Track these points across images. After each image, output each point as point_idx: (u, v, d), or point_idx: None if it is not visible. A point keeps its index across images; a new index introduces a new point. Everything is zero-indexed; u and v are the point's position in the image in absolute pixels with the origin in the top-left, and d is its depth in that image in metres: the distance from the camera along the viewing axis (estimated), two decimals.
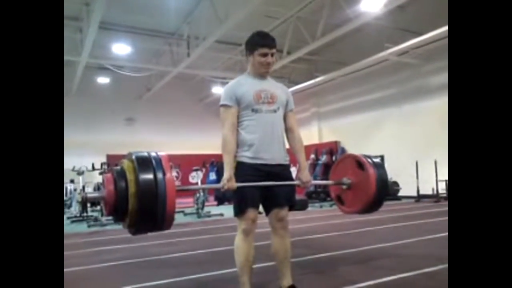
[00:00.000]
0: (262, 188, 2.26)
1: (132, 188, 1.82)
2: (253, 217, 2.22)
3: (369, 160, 2.57)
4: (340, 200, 2.75)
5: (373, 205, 2.58)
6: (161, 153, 1.98)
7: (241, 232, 2.23)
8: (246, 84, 2.31)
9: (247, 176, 2.21)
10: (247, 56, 2.40)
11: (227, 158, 2.23)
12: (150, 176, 1.84)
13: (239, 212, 2.22)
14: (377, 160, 2.65)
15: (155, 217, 1.85)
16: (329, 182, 2.76)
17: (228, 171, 2.18)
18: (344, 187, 2.63)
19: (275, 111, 2.30)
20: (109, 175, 1.92)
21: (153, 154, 1.95)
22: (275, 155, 2.28)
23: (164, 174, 1.85)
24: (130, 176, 1.84)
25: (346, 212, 2.78)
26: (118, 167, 1.95)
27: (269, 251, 2.40)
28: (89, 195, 1.89)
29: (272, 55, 2.30)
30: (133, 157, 1.91)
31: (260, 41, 2.32)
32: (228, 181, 2.15)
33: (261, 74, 2.35)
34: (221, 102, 2.33)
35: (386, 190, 2.58)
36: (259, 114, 2.27)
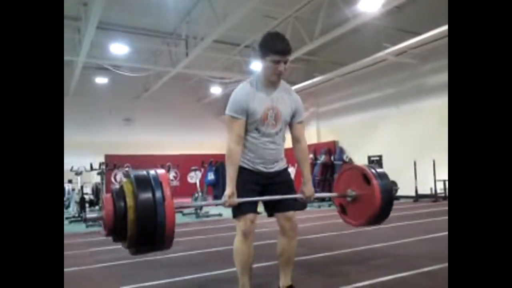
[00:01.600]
0: (262, 190, 2.29)
1: (130, 209, 1.81)
2: (252, 218, 2.22)
3: (373, 171, 2.52)
4: (343, 211, 2.70)
5: (377, 219, 2.53)
6: (160, 171, 1.94)
7: (240, 233, 2.22)
8: (256, 99, 2.18)
9: (247, 182, 2.21)
10: (260, 59, 2.23)
11: (231, 172, 2.16)
12: (148, 196, 1.81)
13: (238, 213, 2.21)
14: (381, 170, 2.58)
15: (155, 237, 1.83)
16: (334, 194, 2.69)
17: (230, 187, 2.13)
18: (349, 199, 2.59)
19: (277, 133, 2.27)
20: (108, 195, 1.90)
21: (152, 173, 1.91)
22: (274, 167, 2.32)
23: (162, 193, 1.82)
24: (128, 197, 1.83)
25: (349, 224, 2.71)
26: (117, 187, 1.94)
27: (269, 251, 2.40)
28: (88, 216, 1.88)
29: (285, 62, 2.15)
30: (132, 176, 1.89)
31: (272, 47, 2.12)
32: (230, 197, 2.12)
33: (272, 82, 2.21)
34: (230, 113, 2.19)
35: (391, 203, 2.50)
36: (261, 135, 2.23)
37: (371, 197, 2.45)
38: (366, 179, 2.49)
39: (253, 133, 2.22)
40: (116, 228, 1.85)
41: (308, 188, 2.34)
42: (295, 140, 2.36)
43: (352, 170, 2.68)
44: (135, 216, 1.79)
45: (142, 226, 1.79)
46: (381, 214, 2.50)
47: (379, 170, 2.56)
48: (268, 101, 2.21)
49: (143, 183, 1.85)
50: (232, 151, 2.16)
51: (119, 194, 1.88)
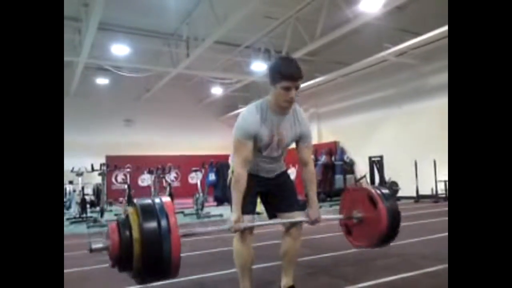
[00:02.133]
0: (263, 191, 2.32)
1: (137, 242, 1.80)
2: (251, 219, 2.23)
3: (379, 192, 2.49)
4: (349, 232, 2.68)
5: (384, 241, 2.51)
6: (165, 200, 1.93)
7: (239, 235, 2.22)
8: (264, 126, 2.14)
9: (248, 185, 2.20)
10: (270, 84, 2.14)
11: (237, 197, 2.12)
12: (154, 228, 1.80)
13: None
14: (387, 191, 2.55)
15: (161, 270, 1.83)
16: (340, 216, 2.66)
17: (236, 212, 2.11)
18: (355, 221, 2.57)
19: (278, 156, 2.30)
20: (113, 225, 1.89)
21: (157, 201, 1.90)
22: (274, 174, 2.37)
23: (169, 225, 1.81)
24: (134, 229, 1.82)
25: (354, 246, 2.68)
26: (123, 216, 1.92)
27: (269, 252, 2.40)
28: (93, 247, 1.86)
29: (296, 88, 2.07)
30: (138, 206, 1.88)
31: (282, 72, 2.04)
32: (236, 222, 2.09)
33: (282, 108, 2.14)
34: (238, 137, 2.14)
35: (397, 225, 2.47)
36: (263, 156, 2.24)
37: (377, 219, 2.42)
38: (372, 201, 2.46)
39: (256, 154, 2.21)
40: (122, 260, 1.84)
41: (313, 211, 2.31)
42: (303, 162, 2.32)
43: (357, 192, 2.65)
44: (141, 250, 1.79)
45: (148, 260, 1.79)
46: (388, 237, 2.47)
47: (384, 191, 2.52)
48: (275, 128, 2.17)
49: (148, 213, 1.84)
50: (238, 175, 2.12)
51: (125, 225, 1.86)
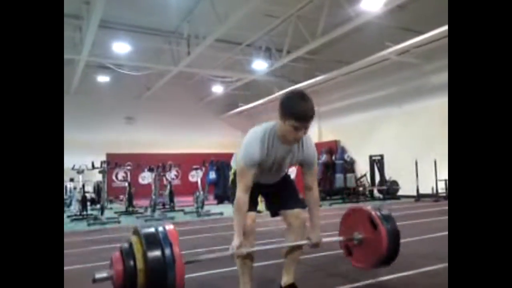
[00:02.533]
0: (264, 191, 2.34)
1: (141, 272, 1.79)
2: (253, 217, 2.23)
3: (379, 214, 2.50)
4: (349, 253, 2.68)
5: (384, 262, 2.51)
6: (168, 228, 1.92)
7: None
8: (269, 154, 2.12)
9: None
10: (279, 114, 2.05)
11: (238, 222, 2.12)
12: (159, 258, 1.79)
13: None
14: (387, 212, 2.56)
15: None
16: (340, 238, 2.67)
17: (238, 238, 2.11)
18: (355, 242, 2.58)
19: (281, 172, 2.33)
20: (117, 254, 1.88)
21: (160, 230, 1.89)
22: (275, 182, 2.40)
23: (173, 255, 1.80)
24: (138, 259, 1.81)
25: (355, 266, 2.67)
26: (127, 245, 1.91)
27: (269, 250, 2.40)
28: (97, 276, 1.86)
29: (306, 128, 2.01)
30: (141, 235, 1.87)
31: (295, 113, 1.96)
32: (238, 248, 2.09)
33: (289, 142, 2.10)
34: (244, 164, 2.10)
35: (398, 246, 2.48)
36: (266, 173, 2.25)
37: (377, 241, 2.43)
38: (372, 223, 2.47)
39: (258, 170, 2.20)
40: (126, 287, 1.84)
41: (316, 235, 2.30)
42: (307, 187, 2.32)
43: (357, 213, 2.65)
44: (146, 280, 1.78)
45: (151, 278, 1.78)
46: (388, 258, 2.48)
47: (384, 213, 2.54)
48: (279, 154, 2.16)
49: (152, 243, 1.83)
50: (240, 199, 2.11)
51: (129, 254, 1.85)
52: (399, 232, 2.49)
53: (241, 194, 2.11)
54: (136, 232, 1.93)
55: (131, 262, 1.82)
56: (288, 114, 1.97)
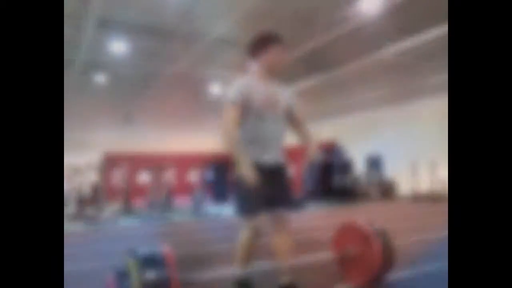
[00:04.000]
0: (265, 189, 2.29)
1: None
2: (264, 217, 2.22)
3: (372, 229, 2.49)
4: (343, 266, 2.67)
5: (377, 278, 2.50)
6: (164, 250, 1.91)
7: (250, 232, 2.20)
8: (256, 90, 2.18)
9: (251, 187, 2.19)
10: (253, 56, 2.24)
11: (237, 150, 2.08)
12: (154, 283, 1.79)
13: (249, 210, 2.17)
14: (380, 228, 2.55)
15: None
16: (335, 256, 2.67)
17: (244, 163, 2.05)
18: (349, 257, 2.57)
19: (277, 118, 2.27)
20: (110, 278, 1.86)
21: (156, 252, 1.89)
22: (274, 156, 2.28)
23: (168, 276, 1.80)
24: (134, 279, 1.80)
25: (349, 282, 2.64)
26: (121, 269, 1.90)
27: (269, 250, 2.40)
28: None
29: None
30: (137, 258, 1.86)
31: (273, 37, 2.19)
32: (247, 173, 2.03)
33: (272, 74, 2.22)
34: (229, 99, 2.16)
35: (392, 260, 2.48)
36: (263, 121, 2.21)
37: (371, 256, 2.42)
38: (366, 238, 2.46)
39: (255, 121, 2.19)
40: None
41: (312, 150, 2.35)
42: (295, 125, 2.38)
43: (351, 228, 2.64)
44: None
45: None
46: (382, 273, 2.47)
47: (378, 228, 2.53)
48: (267, 90, 2.22)
49: (148, 266, 1.82)
50: (231, 132, 2.09)
51: (124, 277, 1.84)
52: (393, 247, 2.48)
53: (230, 128, 2.09)
54: (131, 254, 1.91)
55: (126, 285, 1.81)
56: (265, 42, 2.19)
